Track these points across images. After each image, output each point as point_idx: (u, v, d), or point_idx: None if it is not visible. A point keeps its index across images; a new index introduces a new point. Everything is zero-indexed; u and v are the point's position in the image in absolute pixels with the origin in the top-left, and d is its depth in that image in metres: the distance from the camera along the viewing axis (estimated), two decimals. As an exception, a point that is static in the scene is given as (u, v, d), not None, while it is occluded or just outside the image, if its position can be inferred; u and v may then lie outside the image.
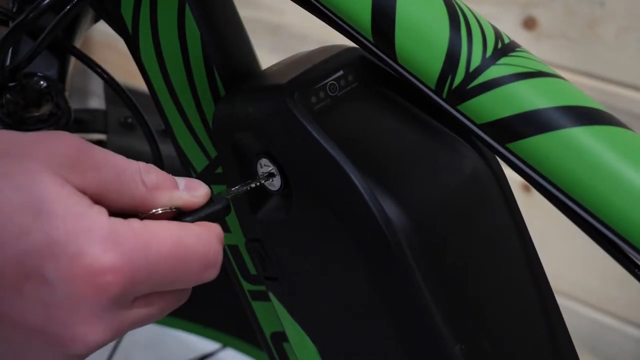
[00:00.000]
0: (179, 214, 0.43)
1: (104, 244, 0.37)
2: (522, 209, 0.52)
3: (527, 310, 0.51)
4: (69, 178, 0.38)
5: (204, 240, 0.41)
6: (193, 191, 0.43)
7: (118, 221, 0.39)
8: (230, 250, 0.57)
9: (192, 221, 0.43)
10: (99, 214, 0.38)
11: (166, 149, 0.60)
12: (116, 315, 0.39)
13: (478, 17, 0.47)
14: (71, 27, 0.64)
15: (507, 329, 0.51)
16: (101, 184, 0.39)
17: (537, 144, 0.44)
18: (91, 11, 0.65)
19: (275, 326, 0.59)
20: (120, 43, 0.54)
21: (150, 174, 0.41)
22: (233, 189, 0.47)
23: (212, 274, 0.42)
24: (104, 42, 1.63)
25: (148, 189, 0.41)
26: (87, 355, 0.39)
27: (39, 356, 0.39)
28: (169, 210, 0.42)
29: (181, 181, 0.43)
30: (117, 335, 0.39)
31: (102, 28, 0.61)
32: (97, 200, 0.39)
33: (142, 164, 0.41)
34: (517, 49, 0.47)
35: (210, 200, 0.44)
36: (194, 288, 0.43)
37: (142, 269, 0.38)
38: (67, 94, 0.63)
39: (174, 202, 0.42)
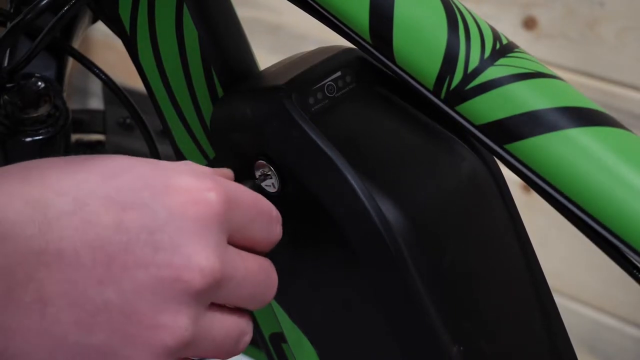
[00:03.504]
0: None
1: (194, 174, 0.39)
2: (522, 210, 0.52)
3: (526, 311, 0.51)
4: None
5: (265, 200, 0.43)
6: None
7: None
8: (228, 251, 0.57)
9: None
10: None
11: (164, 149, 0.60)
12: (221, 240, 0.38)
13: (476, 18, 0.47)
14: (69, 27, 0.64)
15: (505, 329, 0.51)
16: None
17: (536, 145, 0.44)
18: (89, 12, 0.65)
19: (273, 327, 0.58)
20: (119, 43, 0.54)
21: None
22: None
23: (278, 230, 0.43)
24: (104, 42, 1.63)
25: None
26: (201, 287, 0.37)
27: (153, 290, 0.37)
28: None
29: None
30: (226, 268, 0.38)
31: (102, 28, 0.60)
32: None
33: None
34: (516, 50, 0.47)
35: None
36: None
37: (232, 194, 0.39)
38: (65, 94, 0.63)
39: None
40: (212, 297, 0.38)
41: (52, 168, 0.37)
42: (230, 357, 0.40)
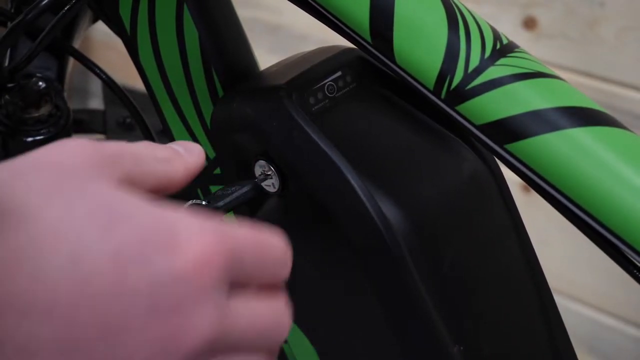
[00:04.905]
0: (209, 200, 0.45)
1: (198, 228, 0.36)
2: (522, 209, 0.52)
3: (526, 311, 0.51)
4: (107, 176, 0.37)
5: (274, 240, 0.39)
6: (192, 152, 0.41)
7: (185, 208, 0.37)
8: (229, 251, 0.57)
9: (224, 205, 0.45)
10: (163, 205, 0.37)
11: (165, 149, 0.60)
12: (221, 298, 0.36)
13: (477, 18, 0.47)
14: (70, 27, 0.64)
15: (505, 329, 0.51)
16: (126, 173, 0.37)
17: (536, 145, 0.44)
18: (90, 11, 0.65)
19: (274, 327, 0.58)
20: (120, 43, 0.54)
21: (157, 150, 0.40)
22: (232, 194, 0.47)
23: (287, 271, 0.40)
24: (104, 42, 1.63)
25: (164, 165, 0.39)
26: (195, 351, 0.35)
27: None
28: (199, 202, 0.44)
29: (179, 146, 0.41)
30: (224, 326, 0.36)
31: (102, 28, 0.61)
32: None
33: (145, 143, 0.39)
34: (516, 50, 0.47)
35: (236, 185, 0.46)
36: None
37: (237, 246, 0.37)
38: (65, 94, 0.64)
39: (189, 168, 0.41)
40: (212, 354, 0.37)
41: (45, 205, 0.34)
42: None
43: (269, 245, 0.39)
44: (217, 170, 0.55)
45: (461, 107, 0.46)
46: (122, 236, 0.35)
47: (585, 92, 0.46)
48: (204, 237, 0.36)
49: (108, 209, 0.35)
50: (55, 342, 0.34)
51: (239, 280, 0.37)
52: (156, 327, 0.35)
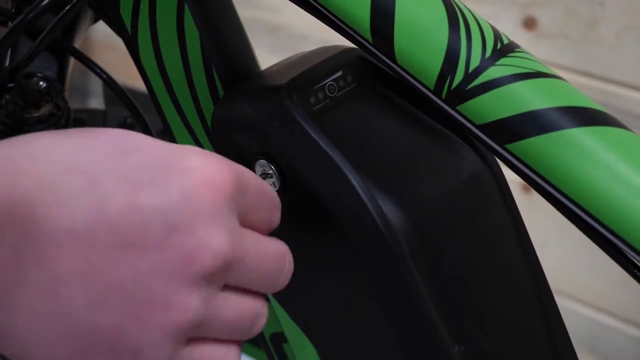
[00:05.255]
0: None
1: (205, 156, 0.38)
2: (522, 210, 0.52)
3: (526, 311, 0.52)
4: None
5: (268, 185, 0.42)
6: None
7: None
8: (229, 251, 0.57)
9: None
10: None
11: (165, 149, 0.60)
12: (233, 222, 0.38)
13: (477, 18, 0.47)
14: (70, 27, 0.64)
15: (506, 329, 0.51)
16: None
17: (537, 145, 0.44)
18: (90, 11, 0.65)
19: (274, 327, 0.59)
20: (120, 43, 0.54)
21: None
22: None
23: (277, 217, 0.42)
24: (105, 42, 1.63)
25: None
26: (213, 269, 0.36)
27: (165, 279, 0.36)
28: None
29: None
30: (237, 250, 0.37)
31: (103, 28, 0.61)
32: None
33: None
34: (517, 50, 0.47)
35: None
36: None
37: (241, 176, 0.39)
38: (66, 94, 0.64)
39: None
40: (225, 279, 0.38)
41: (60, 143, 0.36)
42: (246, 338, 0.40)
43: (266, 188, 0.41)
44: (218, 170, 0.55)
45: (462, 107, 0.46)
46: (135, 162, 0.36)
47: (585, 92, 0.46)
48: (211, 163, 0.38)
49: (122, 140, 0.37)
50: (78, 269, 0.35)
51: (242, 210, 0.39)
52: (174, 246, 0.36)
